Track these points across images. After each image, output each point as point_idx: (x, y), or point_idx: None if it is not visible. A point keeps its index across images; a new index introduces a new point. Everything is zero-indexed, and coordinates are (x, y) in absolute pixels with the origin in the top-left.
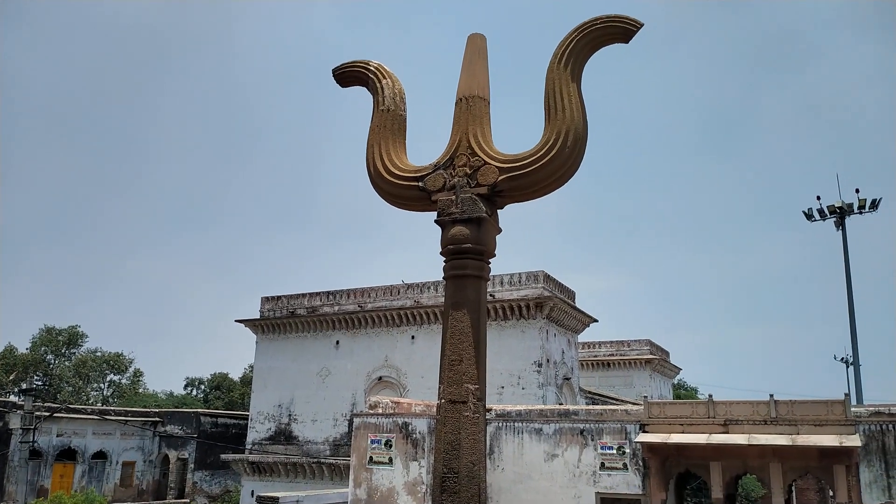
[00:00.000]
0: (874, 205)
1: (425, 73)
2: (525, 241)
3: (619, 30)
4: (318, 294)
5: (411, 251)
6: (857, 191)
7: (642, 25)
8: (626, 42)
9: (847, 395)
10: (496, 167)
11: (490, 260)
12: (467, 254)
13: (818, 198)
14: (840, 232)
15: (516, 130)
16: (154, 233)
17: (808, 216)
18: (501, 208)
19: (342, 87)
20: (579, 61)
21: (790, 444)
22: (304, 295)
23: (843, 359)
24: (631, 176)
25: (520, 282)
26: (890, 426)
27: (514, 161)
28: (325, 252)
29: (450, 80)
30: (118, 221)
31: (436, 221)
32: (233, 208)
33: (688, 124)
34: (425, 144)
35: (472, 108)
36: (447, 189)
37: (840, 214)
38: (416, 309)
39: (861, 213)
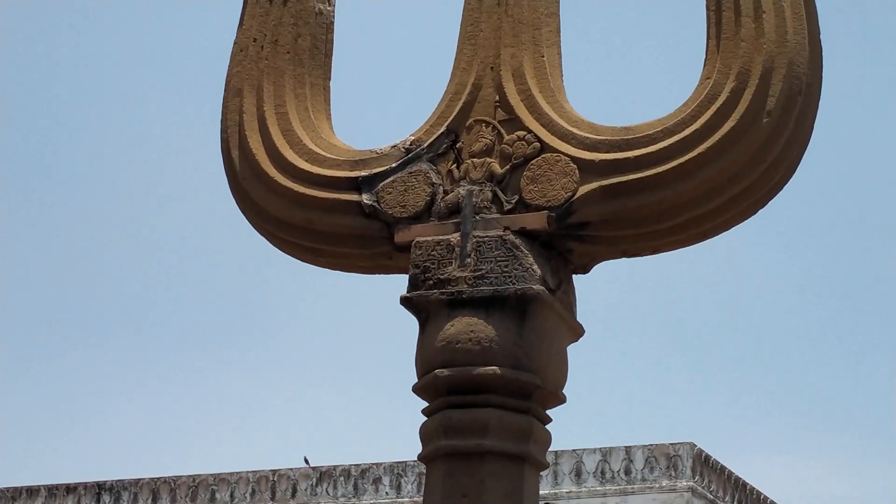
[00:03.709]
0: None
1: None
2: (646, 367)
3: None
4: (74, 489)
5: (330, 385)
6: None
7: None
8: None
9: None
10: (575, 160)
11: (552, 411)
12: (490, 391)
13: None
14: None
15: (626, 78)
16: None
17: None
18: (586, 271)
19: None
20: None
21: None
22: (25, 493)
23: None
24: None
25: (630, 473)
26: None
27: (624, 145)
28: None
29: None
30: None
31: (403, 301)
32: None
33: None
34: (382, 105)
35: (513, 10)
36: (438, 215)
37: None
38: None
39: None
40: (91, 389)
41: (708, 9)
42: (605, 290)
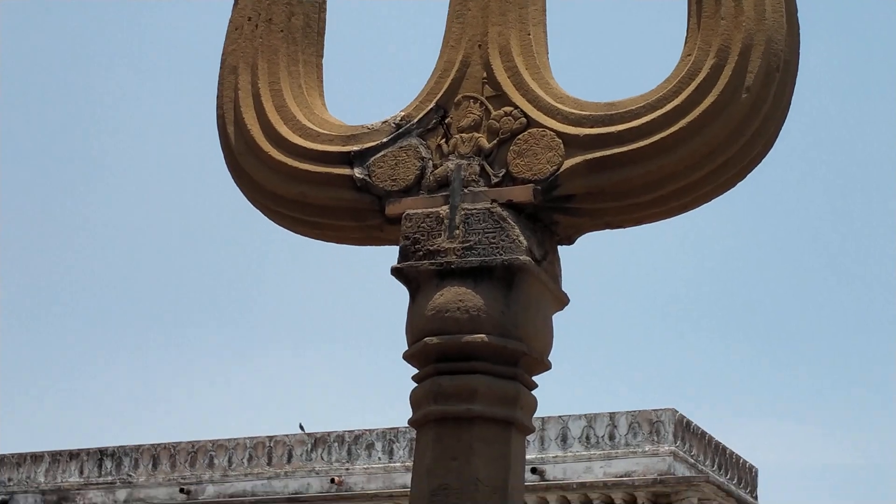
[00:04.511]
0: None
1: None
2: (627, 332)
3: None
4: (74, 456)
5: (324, 349)
6: None
7: None
8: None
9: None
10: (559, 134)
11: (538, 377)
12: (477, 359)
13: None
14: None
15: (604, 56)
16: None
17: None
18: (571, 243)
19: None
20: None
21: None
22: (35, 458)
23: None
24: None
25: (614, 438)
26: None
27: (607, 120)
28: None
29: None
30: None
31: (394, 271)
32: None
33: None
34: (372, 82)
35: None
36: (428, 188)
37: None
38: (331, 502)
39: None
40: (93, 358)
41: None
42: (589, 260)
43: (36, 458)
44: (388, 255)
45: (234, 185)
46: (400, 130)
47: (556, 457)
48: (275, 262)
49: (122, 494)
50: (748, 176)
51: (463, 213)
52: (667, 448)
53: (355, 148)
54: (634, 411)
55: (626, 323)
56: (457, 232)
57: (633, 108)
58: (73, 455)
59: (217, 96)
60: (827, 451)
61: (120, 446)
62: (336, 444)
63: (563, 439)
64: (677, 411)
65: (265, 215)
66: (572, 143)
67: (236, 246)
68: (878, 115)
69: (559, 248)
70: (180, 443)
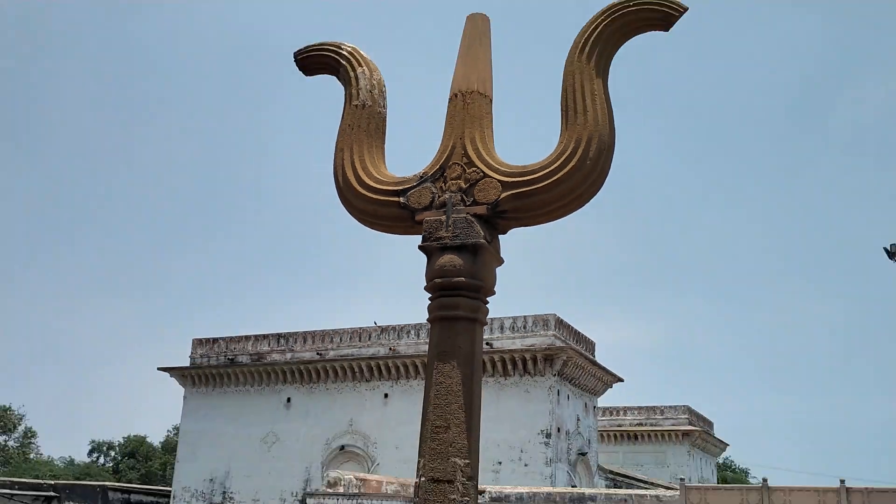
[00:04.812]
0: None
1: (411, 61)
2: (534, 276)
3: (659, 14)
4: (265, 337)
5: (387, 285)
6: None
7: (686, 10)
8: (666, 30)
9: None
10: (499, 181)
11: (488, 299)
12: (459, 290)
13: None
14: None
15: (525, 137)
16: (48, 254)
17: (892, 254)
18: (504, 233)
19: (306, 75)
20: (606, 52)
21: None
22: (246, 338)
23: None
24: (671, 197)
25: (525, 328)
26: None
27: (522, 174)
28: (276, 284)
29: (442, 71)
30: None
31: (420, 247)
32: (153, 223)
33: (746, 132)
34: (410, 151)
35: (469, 107)
36: (436, 207)
37: None
38: (390, 359)
39: None
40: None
41: (561, 107)
42: (511, 240)
43: (246, 337)
44: (417, 239)
45: (343, 208)
46: (422, 179)
47: (498, 337)
48: (370, 242)
49: (281, 357)
50: (592, 197)
51: (452, 219)
52: (550, 332)
53: (400, 188)
54: (536, 314)
55: (535, 274)
56: (449, 228)
57: (536, 167)
58: (264, 336)
59: (334, 163)
60: (641, 332)
61: (290, 332)
62: (392, 330)
63: (501, 329)
64: (556, 314)
65: (359, 221)
66: (505, 185)
67: (357, 236)
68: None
69: (499, 236)
70: (318, 329)
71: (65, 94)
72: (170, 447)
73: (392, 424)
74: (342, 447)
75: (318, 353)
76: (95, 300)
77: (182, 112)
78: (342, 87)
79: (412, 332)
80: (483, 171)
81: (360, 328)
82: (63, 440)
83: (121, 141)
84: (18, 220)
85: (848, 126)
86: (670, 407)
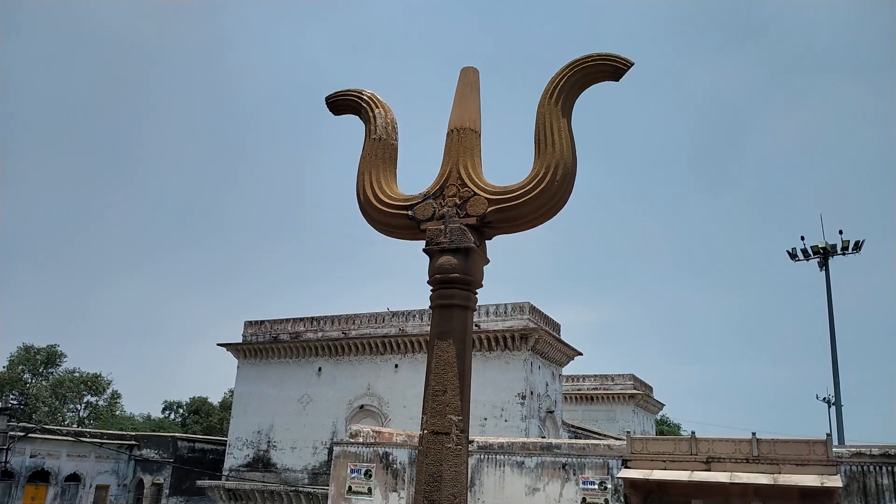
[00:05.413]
0: (857, 246)
1: (418, 104)
2: (512, 272)
3: (610, 68)
4: (301, 320)
5: (398, 279)
6: (841, 232)
7: (632, 65)
8: (617, 80)
9: (829, 435)
10: (485, 198)
11: (477, 290)
12: (454, 283)
13: (802, 238)
14: (823, 272)
15: (506, 163)
16: (137, 252)
17: (793, 256)
18: (489, 239)
19: (335, 114)
20: (570, 97)
21: (772, 483)
22: (287, 320)
23: (825, 399)
24: (619, 211)
25: (505, 313)
26: (871, 467)
27: (504, 193)
28: (310, 277)
29: (442, 111)
30: (100, 240)
31: (424, 250)
32: (218, 230)
33: (678, 160)
34: (416, 174)
35: (463, 140)
36: (436, 219)
37: (823, 255)
38: (400, 337)
39: (844, 254)
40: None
41: (535, 140)
42: (496, 245)
43: (286, 320)
44: (422, 244)
45: (364, 219)
46: (425, 196)
47: (484, 320)
48: (389, 248)
49: (313, 335)
50: (558, 213)
51: (449, 228)
52: (525, 316)
53: (409, 203)
54: (514, 302)
55: (514, 270)
56: (447, 235)
57: (515, 187)
58: (301, 319)
59: (356, 184)
60: (596, 315)
61: (321, 315)
62: (401, 315)
63: (486, 314)
64: (530, 302)
65: (376, 230)
66: (491, 201)
67: (375, 242)
68: None
69: (486, 241)
70: (343, 314)
71: (175, 139)
72: (226, 406)
73: (401, 389)
74: (362, 406)
75: (343, 333)
76: (174, 291)
77: (265, 146)
78: (363, 125)
79: (417, 316)
80: (473, 191)
81: (377, 312)
82: (142, 400)
83: (218, 178)
84: (133, 234)
85: (760, 150)
86: (619, 375)
